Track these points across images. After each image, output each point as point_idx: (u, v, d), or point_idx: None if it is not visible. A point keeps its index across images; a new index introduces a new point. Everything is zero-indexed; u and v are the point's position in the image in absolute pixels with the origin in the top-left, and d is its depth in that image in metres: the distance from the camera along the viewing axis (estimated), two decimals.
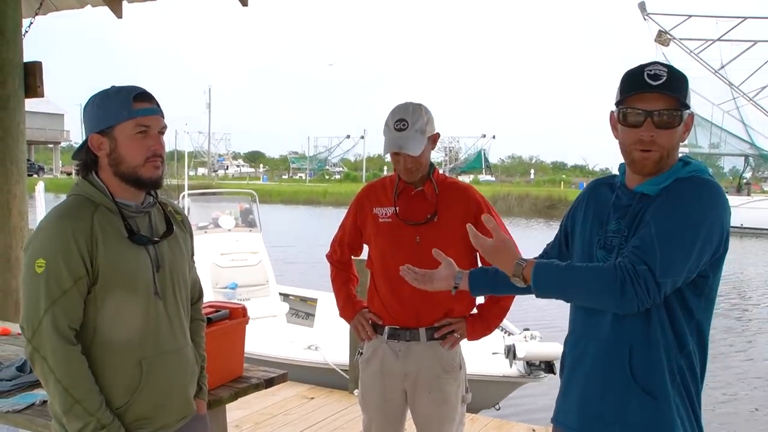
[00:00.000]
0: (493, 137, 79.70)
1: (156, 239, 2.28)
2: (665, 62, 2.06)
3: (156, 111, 2.23)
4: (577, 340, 2.25)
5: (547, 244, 2.49)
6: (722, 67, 36.86)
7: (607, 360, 2.11)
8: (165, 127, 2.25)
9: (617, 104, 2.09)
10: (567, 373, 2.28)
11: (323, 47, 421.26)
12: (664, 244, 1.92)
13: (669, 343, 2.04)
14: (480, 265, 3.28)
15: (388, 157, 3.23)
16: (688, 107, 2.02)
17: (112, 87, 2.23)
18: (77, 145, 2.33)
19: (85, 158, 2.24)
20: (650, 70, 2.00)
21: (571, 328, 2.30)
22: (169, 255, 2.31)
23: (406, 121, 3.04)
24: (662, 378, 2.03)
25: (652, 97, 2.00)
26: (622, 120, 2.07)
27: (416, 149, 3.02)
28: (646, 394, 2.04)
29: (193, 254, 2.52)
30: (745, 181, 44.11)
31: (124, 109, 2.16)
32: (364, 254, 3.45)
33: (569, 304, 2.32)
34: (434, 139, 3.17)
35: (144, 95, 2.21)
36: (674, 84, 2.00)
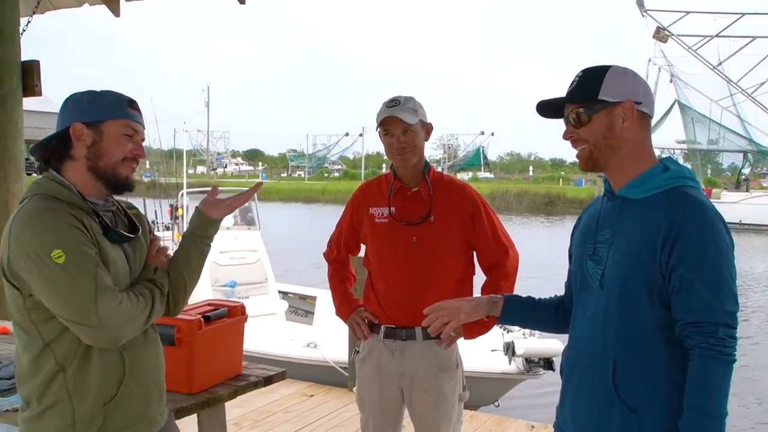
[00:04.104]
0: (492, 134, 79.64)
1: (129, 235, 2.28)
2: (591, 66, 2.17)
3: (142, 121, 2.30)
4: (570, 351, 2.27)
5: (566, 282, 2.48)
6: (720, 63, 36.88)
7: (593, 373, 2.12)
8: (144, 138, 2.32)
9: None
10: (563, 382, 2.29)
11: (321, 45, 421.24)
12: (717, 295, 1.95)
13: (658, 357, 2.03)
14: (477, 265, 3.29)
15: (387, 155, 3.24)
16: (599, 101, 2.09)
17: (104, 89, 2.27)
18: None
19: (57, 148, 2.20)
20: (571, 83, 2.15)
21: (568, 339, 2.32)
22: (132, 253, 2.30)
23: (398, 100, 3.09)
24: (648, 393, 2.03)
25: (568, 107, 2.15)
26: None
27: (408, 119, 3.05)
28: (628, 409, 2.04)
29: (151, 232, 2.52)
30: (743, 177, 44.23)
31: (118, 108, 2.22)
32: (362, 252, 3.45)
33: (571, 311, 2.34)
34: (428, 130, 3.19)
35: (135, 103, 2.27)
36: (579, 86, 2.13)
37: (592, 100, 2.09)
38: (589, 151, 2.12)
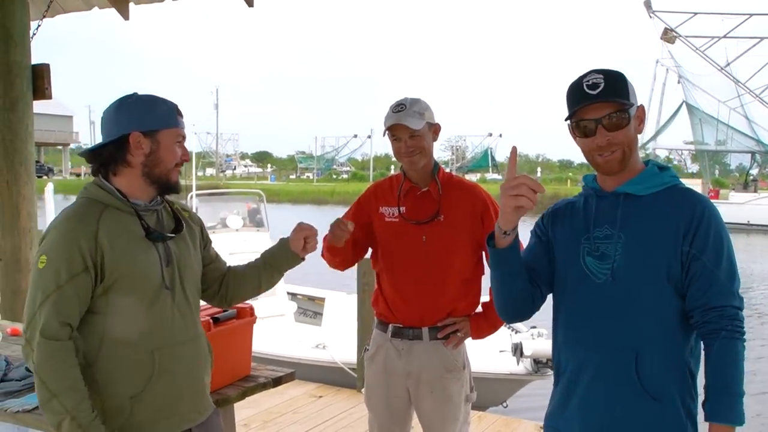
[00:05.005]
0: (500, 136, 79.57)
1: (170, 235, 2.41)
2: (602, 69, 2.14)
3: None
4: (575, 350, 2.23)
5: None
6: (728, 64, 36.77)
7: (613, 368, 2.12)
8: None
9: (568, 119, 2.19)
10: (566, 383, 2.25)
11: (330, 47, 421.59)
12: (733, 282, 2.09)
13: (677, 344, 2.10)
14: (486, 266, 3.29)
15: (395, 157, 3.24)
16: (632, 104, 2.13)
17: (150, 95, 2.39)
18: (86, 146, 2.42)
19: (113, 155, 2.33)
20: (588, 81, 2.11)
21: (563, 338, 2.29)
22: (177, 251, 2.43)
23: (404, 104, 3.08)
24: (671, 381, 2.08)
25: (596, 106, 2.10)
26: (577, 132, 2.18)
27: (414, 124, 3.04)
28: (652, 399, 2.07)
29: (207, 239, 2.70)
30: (751, 177, 44.13)
31: (172, 117, 2.38)
32: (368, 255, 3.45)
33: (553, 313, 2.34)
34: (435, 130, 3.18)
35: (179, 109, 2.43)
36: (612, 88, 2.10)
37: (628, 104, 2.12)
38: (622, 154, 2.15)
